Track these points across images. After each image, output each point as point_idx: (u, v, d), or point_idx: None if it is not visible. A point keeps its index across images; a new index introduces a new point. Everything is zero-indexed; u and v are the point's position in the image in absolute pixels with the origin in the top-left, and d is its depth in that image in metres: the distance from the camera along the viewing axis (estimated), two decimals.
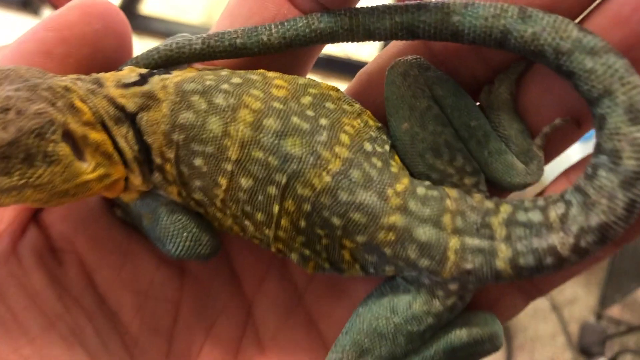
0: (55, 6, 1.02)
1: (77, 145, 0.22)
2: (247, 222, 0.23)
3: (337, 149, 0.22)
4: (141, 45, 1.32)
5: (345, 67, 0.89)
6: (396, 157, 0.24)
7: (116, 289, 0.26)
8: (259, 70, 0.24)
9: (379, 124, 0.24)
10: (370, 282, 0.26)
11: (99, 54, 0.24)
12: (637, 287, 0.93)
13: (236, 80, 0.23)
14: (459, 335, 0.24)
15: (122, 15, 0.24)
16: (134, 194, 0.24)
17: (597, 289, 1.22)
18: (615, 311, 1.13)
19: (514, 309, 0.25)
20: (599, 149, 0.21)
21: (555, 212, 0.22)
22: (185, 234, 0.24)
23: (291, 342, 0.27)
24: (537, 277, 0.22)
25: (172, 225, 0.24)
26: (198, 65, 0.26)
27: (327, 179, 0.22)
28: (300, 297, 0.28)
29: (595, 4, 0.22)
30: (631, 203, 0.20)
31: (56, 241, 0.25)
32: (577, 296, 1.24)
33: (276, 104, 0.22)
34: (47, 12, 1.15)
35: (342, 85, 0.26)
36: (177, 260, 0.27)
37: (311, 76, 0.26)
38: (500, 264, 0.22)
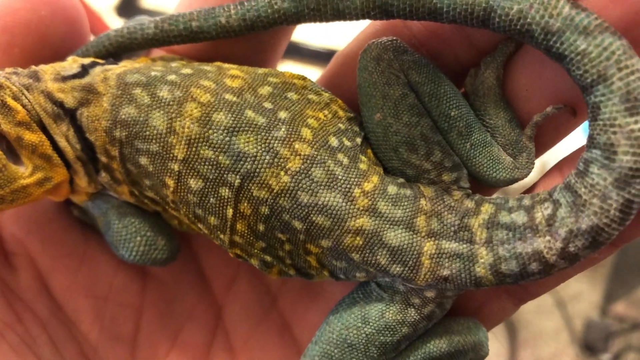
0: None
1: (12, 147, 0.20)
2: (200, 226, 0.21)
3: (297, 146, 0.20)
4: None
5: None
6: (369, 151, 0.22)
7: (73, 295, 0.25)
8: (215, 63, 0.22)
9: (351, 114, 0.23)
10: (347, 283, 0.25)
11: (46, 43, 0.23)
12: None
13: (186, 71, 0.21)
14: (438, 344, 0.22)
15: (73, 1, 0.22)
16: (82, 196, 0.23)
17: (602, 285, 1.21)
18: (619, 307, 1.13)
19: (502, 314, 0.24)
20: (591, 142, 0.19)
21: (541, 212, 0.20)
22: (138, 238, 0.23)
23: (264, 348, 0.26)
24: (521, 283, 0.20)
25: (125, 229, 0.23)
26: (155, 54, 0.24)
27: (286, 179, 0.20)
28: (273, 299, 0.27)
29: None
30: (627, 204, 0.18)
31: (7, 243, 0.24)
32: (582, 292, 1.24)
33: (228, 96, 0.20)
34: None
35: None
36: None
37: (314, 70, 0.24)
38: (480, 270, 0.20)
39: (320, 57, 0.85)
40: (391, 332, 0.22)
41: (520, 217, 0.20)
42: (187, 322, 0.27)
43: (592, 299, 1.24)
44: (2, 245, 0.24)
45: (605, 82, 0.18)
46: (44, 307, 0.24)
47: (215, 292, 0.27)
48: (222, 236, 0.21)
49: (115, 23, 1.10)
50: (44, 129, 0.21)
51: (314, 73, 0.24)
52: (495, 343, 1.25)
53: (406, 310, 0.22)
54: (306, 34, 0.78)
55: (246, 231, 0.21)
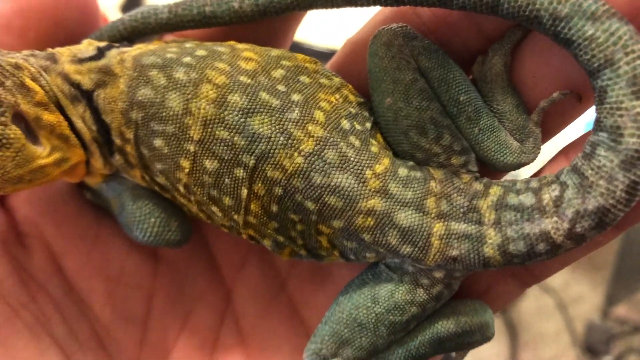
0: None
1: (31, 128, 0.21)
2: (214, 208, 0.22)
3: (310, 128, 0.21)
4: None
5: None
6: (378, 136, 0.23)
7: (85, 276, 0.25)
8: (228, 42, 0.22)
9: (361, 99, 0.23)
10: (355, 267, 0.25)
11: (60, 27, 0.23)
12: None
13: (201, 52, 0.22)
14: (446, 325, 0.23)
15: None
16: (97, 177, 0.24)
17: (603, 288, 1.21)
18: (621, 310, 1.13)
19: (508, 297, 0.24)
20: (598, 126, 0.20)
21: (549, 194, 0.20)
22: (152, 220, 0.23)
23: (272, 331, 0.27)
24: (529, 264, 0.21)
25: (139, 210, 0.23)
26: (168, 37, 0.25)
27: (299, 160, 0.20)
28: (282, 283, 0.27)
29: None
30: (632, 185, 0.19)
31: (21, 225, 0.25)
32: (583, 294, 1.24)
33: (243, 78, 0.21)
34: None
35: None
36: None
37: None
38: (489, 250, 0.21)
39: (323, 57, 0.86)
40: (400, 312, 0.22)
41: (528, 199, 0.21)
42: (197, 305, 0.27)
43: (594, 301, 1.23)
44: (16, 226, 0.25)
45: (612, 67, 0.19)
46: (57, 287, 0.24)
47: (225, 275, 0.28)
48: (236, 217, 0.22)
49: None
50: (61, 110, 0.21)
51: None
52: (496, 345, 1.25)
53: (415, 291, 0.22)
54: (309, 34, 0.78)
55: (260, 212, 0.21)
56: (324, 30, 0.79)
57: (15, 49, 0.22)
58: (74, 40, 0.24)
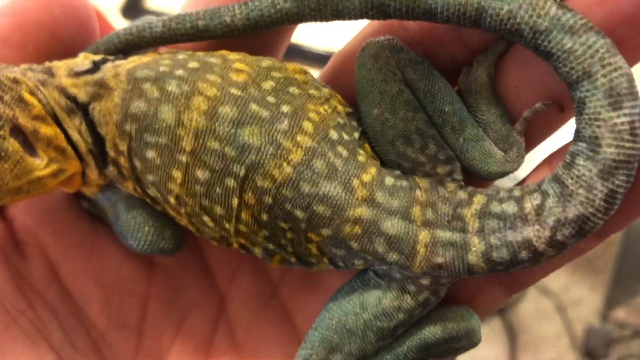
0: None
1: (28, 140, 0.21)
2: (205, 218, 0.23)
3: (299, 138, 0.21)
4: None
5: None
6: (366, 145, 0.23)
7: (82, 283, 0.26)
8: (220, 52, 0.23)
9: (350, 110, 0.24)
10: (346, 274, 0.26)
11: (58, 41, 0.24)
12: None
13: (193, 64, 0.22)
14: (433, 331, 0.23)
15: (83, 1, 0.24)
16: (93, 187, 0.24)
17: (603, 291, 1.22)
18: (620, 313, 1.13)
19: (494, 303, 0.25)
20: (577, 136, 0.20)
21: (531, 203, 0.21)
22: (146, 228, 0.24)
23: (265, 337, 0.27)
24: (512, 271, 0.22)
25: (133, 220, 0.24)
26: (162, 50, 0.25)
27: (288, 170, 0.21)
28: (274, 289, 0.28)
29: None
30: (611, 194, 0.20)
31: (19, 233, 0.26)
32: (582, 297, 1.25)
33: (234, 90, 0.22)
34: None
35: None
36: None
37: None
38: (473, 258, 0.21)
39: (323, 60, 0.87)
40: (388, 318, 0.23)
41: (510, 207, 0.21)
42: (191, 311, 0.28)
43: (593, 304, 1.23)
44: (14, 235, 0.25)
45: (589, 79, 0.19)
46: (54, 294, 0.25)
47: (218, 282, 0.29)
48: (227, 225, 0.22)
49: (119, 24, 1.11)
50: (58, 123, 0.22)
51: (317, 75, 0.26)
52: (495, 347, 1.26)
53: (402, 297, 0.23)
54: (310, 37, 0.80)
55: (250, 220, 0.22)
56: (325, 34, 0.80)
57: (14, 62, 0.23)
58: (72, 53, 0.24)
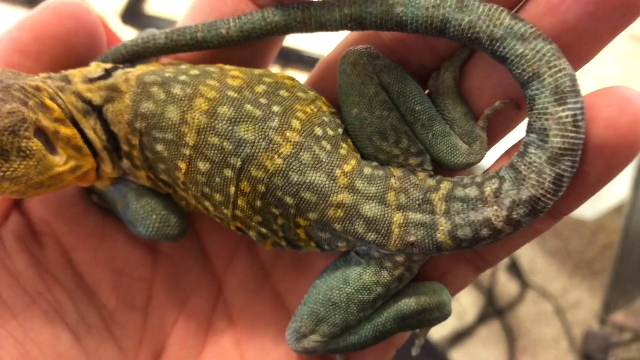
0: None
1: (49, 140, 0.25)
2: (206, 203, 0.26)
3: (288, 134, 0.25)
4: None
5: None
6: (348, 140, 0.27)
7: (93, 268, 0.29)
8: (217, 65, 0.27)
9: (333, 110, 0.28)
10: (331, 258, 0.29)
11: (71, 51, 0.27)
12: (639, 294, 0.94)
13: (194, 72, 0.26)
14: (408, 303, 0.27)
15: (93, 14, 0.27)
16: (105, 181, 0.28)
17: (602, 294, 1.23)
18: (619, 317, 1.15)
19: (463, 281, 0.29)
20: (529, 128, 0.24)
21: (490, 187, 0.25)
22: (154, 216, 0.28)
23: (259, 315, 0.31)
24: (475, 247, 0.25)
25: (142, 209, 0.28)
26: (164, 60, 0.29)
27: (279, 161, 0.25)
28: (267, 273, 0.32)
29: None
30: (558, 177, 0.23)
31: (36, 225, 0.29)
32: (581, 300, 1.27)
33: (230, 93, 0.25)
34: None
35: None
36: (149, 241, 0.30)
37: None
38: (441, 236, 0.25)
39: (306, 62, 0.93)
40: (368, 291, 0.26)
41: (472, 191, 0.25)
42: (192, 294, 0.31)
43: (592, 307, 1.26)
44: (32, 226, 0.29)
45: (538, 79, 0.23)
46: (69, 279, 0.28)
47: (216, 268, 0.32)
48: (225, 211, 0.26)
49: (119, 29, 1.14)
50: (75, 124, 0.26)
51: (304, 80, 0.30)
52: (495, 350, 1.28)
53: (380, 273, 0.26)
54: (310, 42, 0.84)
55: (246, 206, 0.26)
56: (320, 40, 0.84)
57: (31, 72, 0.26)
58: (83, 62, 0.28)
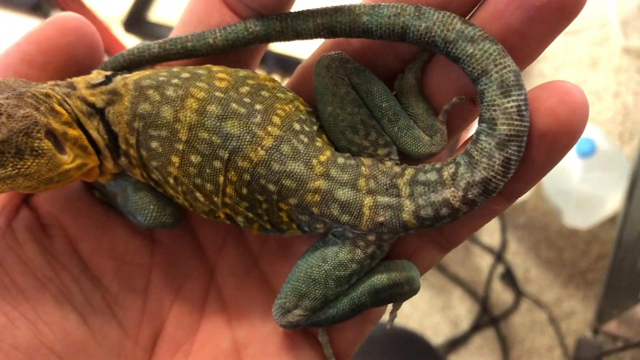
0: (64, 9, 1.09)
1: (58, 141, 0.29)
2: (197, 194, 0.30)
3: (269, 129, 0.29)
4: None
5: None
6: (323, 135, 0.31)
7: (97, 256, 0.33)
8: (205, 65, 0.31)
9: (310, 109, 0.32)
10: (312, 242, 0.33)
11: (73, 61, 0.31)
12: (634, 303, 0.98)
13: (185, 75, 0.30)
14: (381, 278, 0.31)
15: (92, 28, 0.31)
16: (107, 176, 0.32)
17: (595, 304, 1.26)
18: (612, 326, 1.17)
19: (431, 260, 0.33)
20: (480, 119, 0.28)
21: (447, 171, 0.29)
22: (151, 206, 0.32)
23: (248, 297, 0.35)
24: (437, 226, 0.29)
25: (140, 200, 0.32)
26: (158, 67, 0.33)
27: (262, 153, 0.29)
28: (254, 260, 0.36)
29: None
30: (506, 161, 0.27)
31: (44, 218, 0.32)
32: (575, 310, 1.30)
33: (218, 94, 0.30)
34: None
35: None
36: (147, 230, 0.35)
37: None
38: (406, 216, 0.29)
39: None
40: (344, 268, 0.30)
41: (432, 176, 0.29)
42: (187, 280, 0.35)
43: (585, 317, 1.29)
44: (40, 219, 0.32)
45: (486, 75, 0.27)
46: (75, 266, 0.32)
47: (208, 255, 0.36)
48: (215, 199, 0.30)
49: (122, 37, 1.17)
50: (80, 125, 0.30)
51: (284, 83, 0.35)
52: (489, 358, 1.31)
53: (354, 251, 0.30)
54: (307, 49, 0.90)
55: (233, 193, 0.30)
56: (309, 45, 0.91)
57: (37, 80, 0.30)
58: (83, 71, 0.31)
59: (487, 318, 1.35)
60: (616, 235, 1.19)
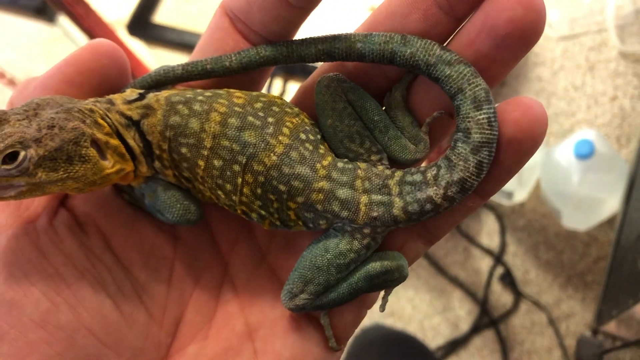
0: (71, 13, 1.13)
1: (101, 149, 0.35)
2: (219, 192, 0.36)
3: (280, 138, 0.35)
4: (154, 53, 1.43)
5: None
6: (325, 144, 0.37)
7: (127, 251, 0.39)
8: (224, 89, 0.37)
9: (312, 122, 0.38)
10: (314, 238, 0.39)
11: (105, 81, 0.37)
12: (633, 303, 1.01)
13: (208, 94, 0.36)
14: (374, 266, 0.37)
15: (122, 52, 0.37)
16: (140, 179, 0.38)
17: (594, 305, 1.30)
18: (611, 327, 1.21)
19: (417, 251, 0.38)
20: (457, 129, 0.34)
21: (430, 173, 0.35)
22: (178, 205, 0.38)
23: (258, 287, 0.41)
24: (423, 220, 0.35)
25: (169, 199, 0.37)
26: (179, 87, 0.40)
27: (274, 158, 0.35)
28: (263, 254, 0.42)
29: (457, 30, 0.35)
30: (479, 163, 0.32)
31: (80, 218, 0.38)
32: (574, 311, 1.34)
33: (237, 108, 0.36)
34: (62, 19, 1.26)
35: None
36: (170, 228, 0.40)
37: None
38: (396, 211, 0.35)
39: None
40: (343, 257, 0.36)
41: (418, 177, 0.35)
42: (204, 271, 0.41)
43: (585, 317, 1.32)
44: (77, 219, 0.37)
45: (461, 92, 0.31)
46: (108, 258, 0.37)
47: (223, 251, 0.42)
48: (234, 197, 0.36)
49: (126, 38, 1.20)
50: (119, 136, 0.36)
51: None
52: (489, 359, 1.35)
53: (352, 242, 0.36)
54: None
55: (249, 193, 0.36)
56: None
57: (76, 97, 0.36)
58: (114, 90, 0.37)
59: (487, 319, 1.38)
60: (615, 237, 1.23)
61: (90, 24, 1.16)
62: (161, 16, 1.28)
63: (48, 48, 1.77)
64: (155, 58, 1.46)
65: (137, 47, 1.38)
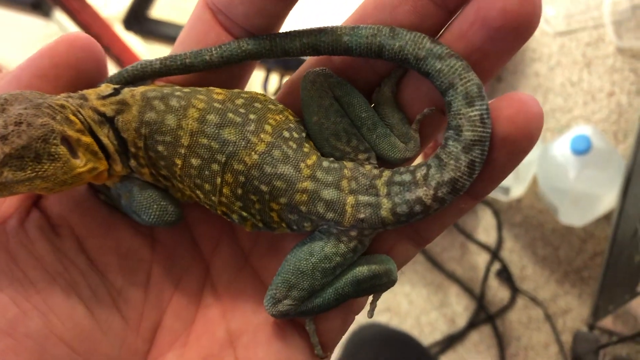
0: (67, 8, 1.11)
1: (72, 147, 0.33)
2: (198, 192, 0.34)
3: (262, 135, 0.33)
4: (150, 48, 1.42)
5: None
6: (310, 142, 0.35)
7: (102, 253, 0.37)
8: (204, 87, 0.35)
9: (298, 119, 0.36)
10: (299, 240, 0.37)
11: (81, 76, 0.35)
12: (630, 298, 1.01)
13: (186, 90, 0.34)
14: (362, 270, 0.35)
15: (98, 46, 0.35)
16: (115, 179, 0.36)
17: (591, 301, 1.30)
18: (607, 322, 1.21)
19: (406, 254, 0.36)
20: (448, 126, 0.32)
21: (420, 173, 0.33)
22: (155, 206, 0.35)
23: (241, 291, 0.39)
24: (412, 222, 0.33)
25: (145, 200, 0.35)
26: (158, 82, 0.37)
27: (255, 157, 0.33)
28: (246, 257, 0.40)
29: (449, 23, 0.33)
30: (471, 162, 0.31)
31: (54, 219, 0.36)
32: (571, 306, 1.34)
33: (216, 104, 0.34)
34: (58, 14, 1.24)
35: None
36: (148, 229, 0.38)
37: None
38: (384, 213, 0.33)
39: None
40: (329, 261, 0.34)
41: (407, 177, 0.33)
42: (184, 275, 0.39)
43: (581, 313, 1.33)
44: (50, 220, 0.35)
45: (453, 88, 0.30)
46: (82, 261, 0.35)
47: (204, 253, 0.40)
48: (213, 198, 0.34)
49: (122, 33, 1.19)
50: (92, 133, 0.34)
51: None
52: (485, 355, 1.35)
53: (338, 245, 0.34)
54: None
55: (229, 194, 0.34)
56: None
57: (48, 93, 0.34)
58: (90, 85, 0.35)
59: (484, 315, 1.38)
60: (611, 233, 1.22)
61: (86, 19, 1.15)
62: (157, 11, 1.27)
63: (44, 43, 1.74)
64: (151, 53, 1.45)
65: (133, 42, 1.37)
